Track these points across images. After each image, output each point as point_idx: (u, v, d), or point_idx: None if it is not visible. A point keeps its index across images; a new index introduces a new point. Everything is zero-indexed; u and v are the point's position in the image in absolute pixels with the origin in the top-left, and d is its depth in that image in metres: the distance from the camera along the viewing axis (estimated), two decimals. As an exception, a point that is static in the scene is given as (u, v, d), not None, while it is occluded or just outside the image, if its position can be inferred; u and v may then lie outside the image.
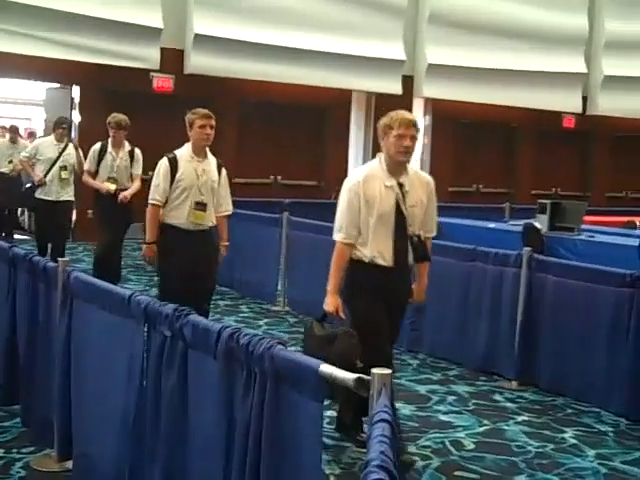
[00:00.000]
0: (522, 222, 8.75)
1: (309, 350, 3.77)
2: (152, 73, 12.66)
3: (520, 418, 5.04)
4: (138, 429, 3.17)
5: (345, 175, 16.48)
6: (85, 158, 7.94)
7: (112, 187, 7.45)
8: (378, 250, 3.99)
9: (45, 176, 8.07)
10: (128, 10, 11.88)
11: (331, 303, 4.00)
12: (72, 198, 8.31)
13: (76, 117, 12.57)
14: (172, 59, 12.57)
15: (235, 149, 13.70)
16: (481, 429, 4.78)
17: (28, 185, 8.49)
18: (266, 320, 7.48)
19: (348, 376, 2.23)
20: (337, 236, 4.05)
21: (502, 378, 5.79)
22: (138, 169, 7.70)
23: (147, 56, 12.24)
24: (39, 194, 8.14)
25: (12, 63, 11.65)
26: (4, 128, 17.24)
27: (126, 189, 7.51)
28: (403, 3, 14.43)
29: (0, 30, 11.24)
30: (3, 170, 11.65)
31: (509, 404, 5.33)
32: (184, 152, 5.28)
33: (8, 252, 4.43)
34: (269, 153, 13.24)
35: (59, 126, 8.28)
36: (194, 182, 5.21)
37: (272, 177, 14.00)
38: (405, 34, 14.51)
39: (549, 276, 5.61)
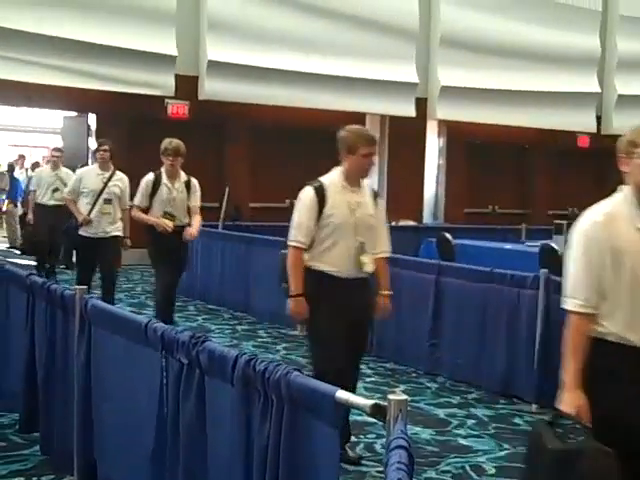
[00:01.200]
0: (539, 243, 8.72)
1: (538, 472, 2.67)
2: (167, 100, 12.82)
3: (540, 441, 4.99)
4: (158, 456, 3.18)
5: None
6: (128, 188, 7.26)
7: (170, 224, 6.49)
8: (633, 324, 2.77)
9: (90, 212, 7.11)
10: (143, 38, 12.06)
11: (571, 402, 2.72)
12: (120, 233, 7.29)
13: (92, 144, 12.70)
14: (186, 86, 12.71)
15: (250, 174, 13.80)
16: (502, 453, 4.73)
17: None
18: (284, 345, 7.46)
19: (364, 402, 2.22)
20: (569, 303, 2.83)
21: (522, 401, 5.73)
22: (197, 200, 6.74)
23: (162, 83, 12.40)
24: (82, 231, 7.19)
25: (29, 92, 11.82)
26: (22, 157, 17.44)
27: (183, 226, 6.60)
28: (415, 26, 14.53)
29: (17, 59, 11.41)
30: (47, 202, 10.30)
31: (529, 428, 5.27)
32: (334, 179, 4.32)
33: (26, 280, 4.46)
34: (284, 177, 13.29)
35: (99, 148, 7.32)
36: (347, 218, 4.20)
37: (287, 201, 14.01)
38: (417, 57, 14.61)
39: (567, 297, 5.56)
